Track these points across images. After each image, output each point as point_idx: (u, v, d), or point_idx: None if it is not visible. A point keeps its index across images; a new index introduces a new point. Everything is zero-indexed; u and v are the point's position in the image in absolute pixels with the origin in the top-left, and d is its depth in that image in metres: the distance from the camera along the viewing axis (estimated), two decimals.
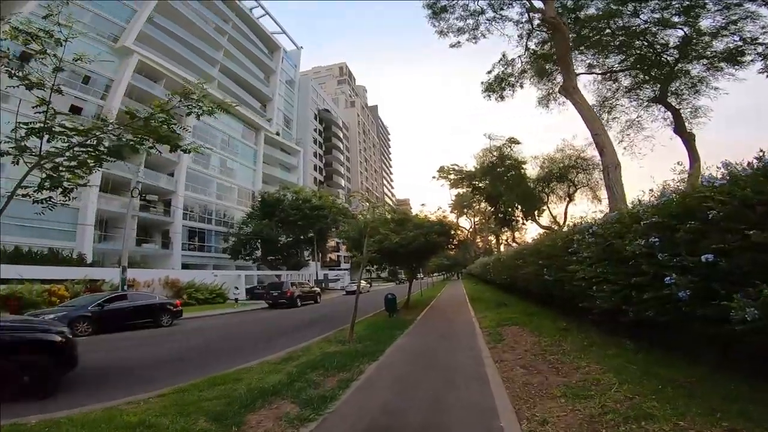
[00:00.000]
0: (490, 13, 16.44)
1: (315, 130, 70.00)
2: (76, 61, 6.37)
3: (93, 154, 6.73)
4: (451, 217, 29.56)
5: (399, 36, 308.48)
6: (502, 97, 19.65)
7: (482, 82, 19.48)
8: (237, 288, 21.52)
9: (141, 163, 33.39)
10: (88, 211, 28.22)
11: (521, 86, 19.40)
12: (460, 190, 40.65)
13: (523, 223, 30.42)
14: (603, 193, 22.92)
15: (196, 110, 6.99)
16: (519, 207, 27.92)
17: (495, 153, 27.40)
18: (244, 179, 47.56)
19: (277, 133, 54.40)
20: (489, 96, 19.71)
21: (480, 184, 39.04)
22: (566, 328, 7.61)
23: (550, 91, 19.96)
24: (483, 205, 47.64)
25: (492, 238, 53.85)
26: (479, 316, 12.21)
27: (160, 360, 8.09)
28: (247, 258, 38.23)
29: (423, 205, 18.27)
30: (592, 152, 22.53)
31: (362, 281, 39.20)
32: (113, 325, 12.25)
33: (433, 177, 33.50)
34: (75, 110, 29.09)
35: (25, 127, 6.10)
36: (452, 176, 42.04)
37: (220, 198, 43.66)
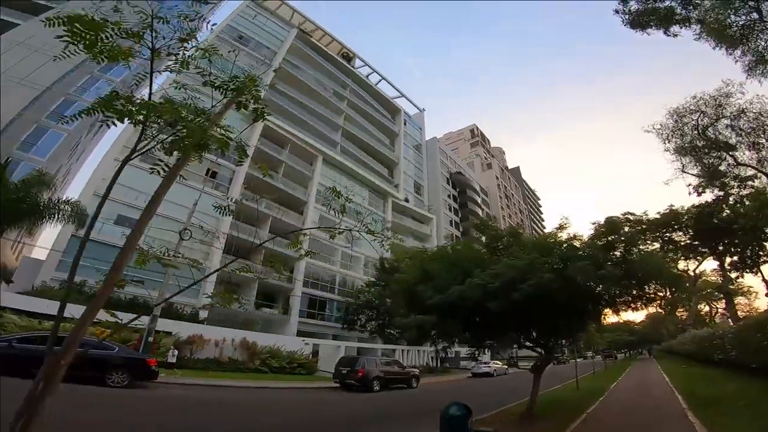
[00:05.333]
0: None
1: (449, 195, 66.01)
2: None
3: None
4: None
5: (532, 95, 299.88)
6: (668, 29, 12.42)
7: (616, 11, 12.59)
8: (175, 349, 16.03)
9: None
10: (211, 270, 28.83)
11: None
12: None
13: None
14: None
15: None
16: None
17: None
18: (371, 248, 45.40)
19: (406, 200, 52.05)
20: (642, 30, 12.66)
21: (672, 235, 27.25)
22: None
23: None
24: (682, 264, 33.50)
25: (702, 306, 36.85)
26: None
27: None
28: (361, 329, 33.98)
29: (565, 218, 8.11)
30: None
31: (497, 362, 29.91)
32: (25, 369, 8.52)
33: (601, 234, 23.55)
34: (212, 174, 32.45)
35: None
36: (627, 230, 31.03)
37: (345, 267, 41.96)
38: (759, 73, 13.75)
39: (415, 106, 64.07)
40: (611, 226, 7.82)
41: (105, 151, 28.24)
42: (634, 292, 7.84)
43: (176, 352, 15.79)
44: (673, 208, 24.26)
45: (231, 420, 8.00)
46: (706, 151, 16.53)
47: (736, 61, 14.47)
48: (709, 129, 16.00)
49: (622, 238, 7.72)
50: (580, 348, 30.64)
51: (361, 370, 15.36)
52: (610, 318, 9.98)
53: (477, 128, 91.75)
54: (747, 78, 13.88)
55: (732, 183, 17.74)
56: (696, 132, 16.21)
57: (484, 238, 9.96)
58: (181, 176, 3.41)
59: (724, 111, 15.35)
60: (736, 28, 13.59)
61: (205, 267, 28.12)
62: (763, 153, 15.05)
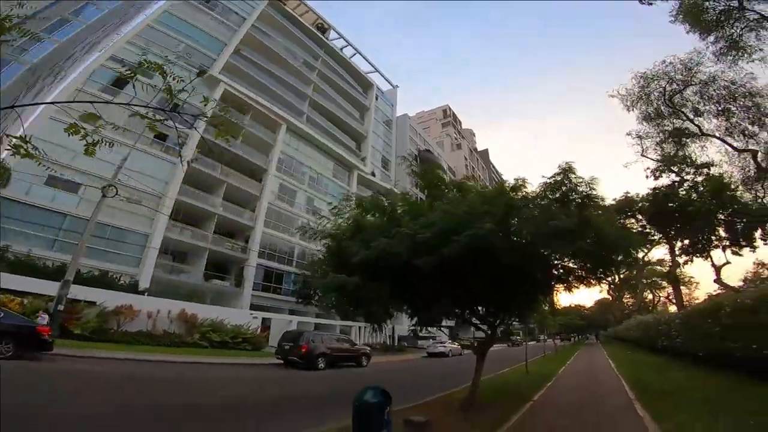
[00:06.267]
0: None
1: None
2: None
3: None
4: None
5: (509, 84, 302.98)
6: None
7: None
8: (48, 313, 13.93)
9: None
10: (154, 237, 26.63)
11: None
12: None
13: (736, 252, 18.13)
14: None
15: None
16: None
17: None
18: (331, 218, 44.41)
19: (373, 174, 51.21)
20: None
21: (626, 222, 28.10)
22: None
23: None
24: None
25: (647, 293, 38.76)
26: None
27: None
28: (316, 304, 32.90)
29: (522, 178, 6.93)
30: None
31: (453, 343, 30.17)
32: None
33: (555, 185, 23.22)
34: (161, 137, 29.82)
35: None
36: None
37: (304, 239, 40.63)
38: (730, 59, 13.71)
39: (389, 82, 62.86)
40: (567, 174, 6.53)
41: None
42: (589, 264, 6.90)
43: (46, 317, 12.75)
44: (629, 195, 24.76)
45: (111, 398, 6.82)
46: (671, 123, 16.39)
47: (708, 47, 14.39)
48: (676, 96, 15.85)
49: (580, 189, 6.48)
50: (534, 331, 31.32)
51: (304, 346, 14.39)
52: (562, 299, 9.44)
53: (449, 109, 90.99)
54: (717, 63, 13.83)
55: (688, 169, 18.02)
56: (663, 99, 16.01)
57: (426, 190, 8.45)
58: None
59: (693, 78, 15.18)
60: (713, 13, 13.48)
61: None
62: (734, 120, 15.06)
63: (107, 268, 23.33)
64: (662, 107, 16.34)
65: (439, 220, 5.98)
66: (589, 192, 6.46)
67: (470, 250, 5.54)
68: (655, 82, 16.05)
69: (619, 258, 6.85)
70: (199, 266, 30.21)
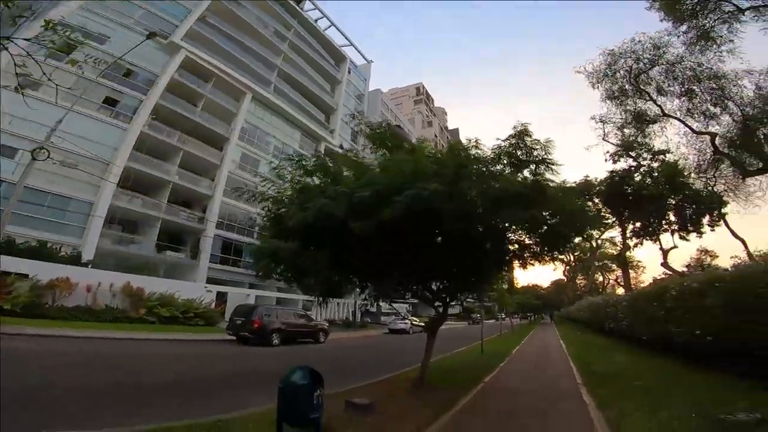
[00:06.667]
0: None
1: None
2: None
3: None
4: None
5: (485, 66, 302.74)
6: None
7: None
8: None
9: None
10: (99, 205, 24.69)
11: None
12: None
13: (684, 237, 19.09)
14: None
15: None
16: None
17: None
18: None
19: (341, 146, 50.15)
20: None
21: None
22: None
23: None
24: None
25: (598, 275, 40.83)
26: None
27: None
28: (277, 278, 32.01)
29: (476, 140, 6.25)
30: None
31: (415, 319, 30.52)
32: None
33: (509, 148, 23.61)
34: (110, 102, 27.37)
35: None
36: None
37: (243, 200, 39.63)
38: (698, 49, 13.88)
39: (363, 56, 61.30)
40: (522, 136, 6.11)
41: None
42: (545, 240, 6.71)
43: None
44: (588, 178, 25.57)
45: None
46: (633, 103, 16.72)
47: (679, 36, 14.48)
48: (642, 76, 16.11)
49: (535, 153, 6.13)
50: (492, 309, 32.25)
51: (256, 321, 13.80)
52: (520, 279, 9.42)
53: (423, 87, 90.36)
54: (685, 51, 14.01)
55: (645, 155, 18.66)
56: (628, 77, 16.25)
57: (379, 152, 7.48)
58: None
59: (660, 59, 15.39)
60: (689, 3, 13.46)
61: None
62: (696, 101, 15.51)
63: (47, 238, 21.50)
64: (627, 85, 16.59)
65: (382, 178, 5.51)
66: (545, 156, 6.17)
67: (412, 212, 5.06)
68: (623, 59, 16.19)
69: (575, 236, 6.75)
70: (151, 237, 28.63)
